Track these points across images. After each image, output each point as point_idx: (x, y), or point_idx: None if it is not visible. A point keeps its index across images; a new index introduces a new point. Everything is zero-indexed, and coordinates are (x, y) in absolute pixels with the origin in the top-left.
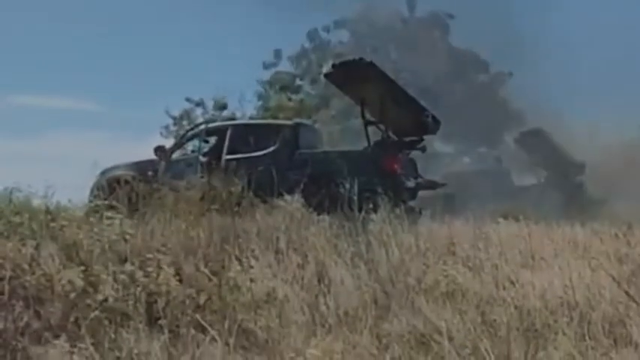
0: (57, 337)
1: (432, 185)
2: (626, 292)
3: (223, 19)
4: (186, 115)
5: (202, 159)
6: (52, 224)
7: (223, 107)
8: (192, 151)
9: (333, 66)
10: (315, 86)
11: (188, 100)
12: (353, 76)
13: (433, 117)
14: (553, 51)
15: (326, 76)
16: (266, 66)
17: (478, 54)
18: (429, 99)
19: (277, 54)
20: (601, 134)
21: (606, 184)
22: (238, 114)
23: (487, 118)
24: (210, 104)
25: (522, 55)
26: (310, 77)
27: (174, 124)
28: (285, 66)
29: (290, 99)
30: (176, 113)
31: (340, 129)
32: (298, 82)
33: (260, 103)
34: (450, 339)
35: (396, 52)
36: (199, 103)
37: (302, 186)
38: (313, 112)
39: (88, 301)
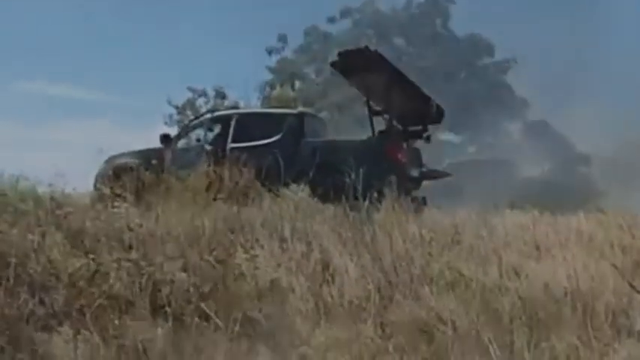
0: (61, 324)
1: (437, 175)
2: (630, 283)
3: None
4: (190, 104)
5: (207, 147)
6: (58, 212)
7: (224, 96)
8: (197, 140)
9: (339, 55)
10: (320, 75)
11: (190, 89)
12: (358, 64)
13: (437, 106)
14: (560, 37)
15: (331, 64)
16: (270, 51)
17: (482, 37)
18: (434, 88)
19: (282, 39)
20: (607, 125)
21: (611, 175)
22: (242, 103)
23: (492, 107)
24: (212, 93)
25: (529, 41)
26: (315, 66)
27: (178, 113)
28: (290, 52)
29: (294, 88)
30: (179, 102)
31: (344, 118)
32: (304, 69)
33: (264, 93)
34: (454, 328)
35: (401, 41)
36: (202, 94)
37: (307, 175)
38: (316, 100)
39: (93, 288)
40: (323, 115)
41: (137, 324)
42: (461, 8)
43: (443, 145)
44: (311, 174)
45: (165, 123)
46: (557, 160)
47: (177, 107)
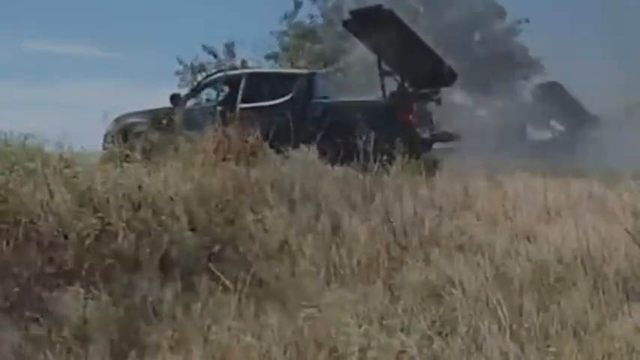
0: (71, 283)
1: (448, 137)
2: None
3: None
4: (200, 63)
5: (217, 107)
6: (66, 171)
7: (233, 55)
8: (207, 100)
9: (352, 13)
10: (334, 33)
11: (205, 47)
12: (371, 24)
13: (449, 68)
14: None
15: (344, 24)
16: (287, 17)
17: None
18: (446, 50)
19: (297, 4)
20: (618, 86)
21: (622, 138)
22: (252, 63)
23: (504, 70)
24: (222, 51)
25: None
26: (331, 25)
27: (190, 72)
28: (306, 11)
29: (305, 47)
30: (188, 62)
31: (357, 78)
32: (317, 29)
33: (275, 52)
34: (463, 291)
35: (415, 2)
36: (211, 51)
37: (316, 136)
38: (328, 59)
39: (102, 248)
40: (334, 74)
41: (146, 283)
42: None
43: (454, 107)
44: (321, 135)
45: (179, 85)
46: (568, 123)
47: (186, 67)
